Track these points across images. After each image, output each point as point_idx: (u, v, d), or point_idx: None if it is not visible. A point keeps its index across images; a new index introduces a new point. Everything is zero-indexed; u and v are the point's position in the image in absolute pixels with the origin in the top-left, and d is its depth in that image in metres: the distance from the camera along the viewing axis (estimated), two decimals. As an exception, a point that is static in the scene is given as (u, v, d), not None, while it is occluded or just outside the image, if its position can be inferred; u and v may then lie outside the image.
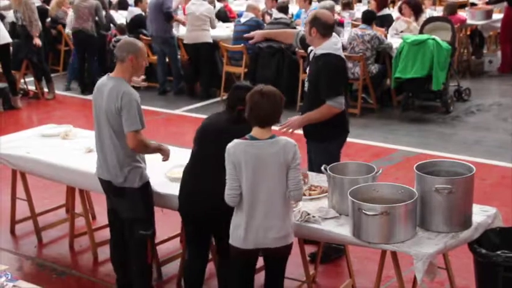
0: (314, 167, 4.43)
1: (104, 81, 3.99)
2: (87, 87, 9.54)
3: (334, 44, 4.50)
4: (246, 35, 5.41)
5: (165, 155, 4.17)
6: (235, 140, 3.44)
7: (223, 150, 3.44)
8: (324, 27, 4.44)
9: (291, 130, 4.49)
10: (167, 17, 9.27)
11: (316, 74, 4.48)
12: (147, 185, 4.07)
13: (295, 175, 3.41)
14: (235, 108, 3.76)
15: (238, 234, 3.45)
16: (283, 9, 9.02)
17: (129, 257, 4.17)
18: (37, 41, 9.15)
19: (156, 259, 4.54)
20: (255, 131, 3.44)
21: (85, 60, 9.80)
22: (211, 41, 9.16)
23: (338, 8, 10.04)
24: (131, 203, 4.02)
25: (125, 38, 4.16)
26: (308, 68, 4.66)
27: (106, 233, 5.01)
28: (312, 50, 4.61)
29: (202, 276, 4.02)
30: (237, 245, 3.47)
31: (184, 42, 9.30)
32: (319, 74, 4.45)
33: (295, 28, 8.67)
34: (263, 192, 3.39)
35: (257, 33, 5.22)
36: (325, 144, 4.57)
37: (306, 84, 4.66)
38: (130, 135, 3.85)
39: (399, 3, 11.22)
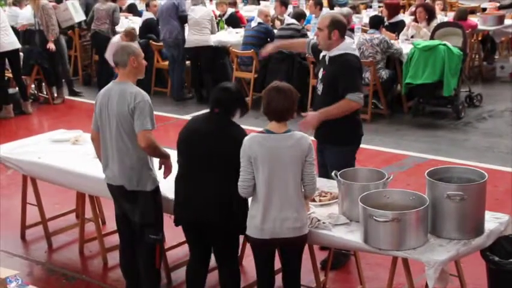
0: (329, 171, 4.35)
1: (110, 87, 4.00)
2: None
3: (350, 45, 4.57)
4: (262, 55, 5.42)
5: (168, 170, 4.09)
6: (252, 134, 3.57)
7: (208, 157, 3.64)
8: (345, 28, 4.54)
9: (310, 130, 4.44)
10: (182, 20, 9.31)
11: (333, 73, 4.47)
12: (157, 189, 4.08)
13: (310, 170, 3.53)
14: (212, 110, 3.81)
15: (255, 225, 3.55)
16: (299, 16, 9.01)
17: (138, 262, 4.16)
18: (51, 46, 9.21)
19: (165, 264, 4.54)
20: (272, 125, 3.57)
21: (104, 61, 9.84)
22: (212, 44, 9.18)
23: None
24: (143, 207, 4.02)
25: (118, 43, 4.20)
26: (321, 70, 4.62)
27: (116, 239, 5.00)
28: (324, 55, 4.60)
29: (203, 281, 4.02)
30: (253, 235, 3.58)
31: (186, 46, 9.29)
32: (337, 73, 4.45)
33: (305, 34, 8.68)
34: (279, 185, 3.49)
35: (269, 46, 5.20)
36: (341, 147, 4.55)
37: (319, 87, 4.62)
38: (141, 134, 3.86)
39: (411, 8, 11.22)
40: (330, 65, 4.52)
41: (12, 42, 8.67)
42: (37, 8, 9.10)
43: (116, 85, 3.98)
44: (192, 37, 9.16)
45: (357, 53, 4.62)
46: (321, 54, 4.66)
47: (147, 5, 10.20)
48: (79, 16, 10.27)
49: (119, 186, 4.03)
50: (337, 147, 4.54)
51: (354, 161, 4.61)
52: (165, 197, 4.13)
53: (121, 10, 11.70)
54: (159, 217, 4.12)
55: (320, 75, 4.63)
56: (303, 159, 3.51)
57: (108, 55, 8.76)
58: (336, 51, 4.48)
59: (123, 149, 3.95)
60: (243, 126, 3.88)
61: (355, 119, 4.59)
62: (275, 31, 9.02)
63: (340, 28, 4.47)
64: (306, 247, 3.78)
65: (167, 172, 4.11)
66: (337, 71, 4.45)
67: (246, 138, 3.56)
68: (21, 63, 9.11)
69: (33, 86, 9.79)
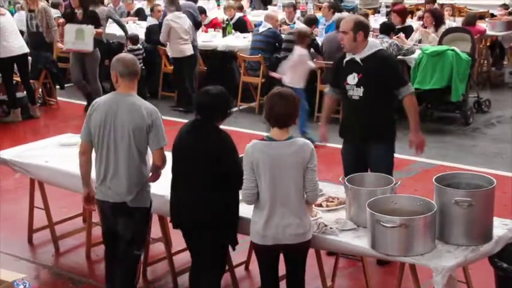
0: (377, 171, 4.25)
1: (116, 98, 3.85)
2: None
3: (375, 42, 4.66)
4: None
5: (156, 179, 3.99)
6: (254, 140, 3.57)
7: (193, 164, 3.66)
8: (368, 29, 4.61)
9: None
10: (198, 26, 9.34)
11: (375, 72, 4.47)
12: (151, 205, 4.02)
13: (312, 176, 3.51)
14: (198, 114, 3.80)
15: (257, 231, 3.56)
16: (311, 21, 9.00)
17: (115, 279, 4.02)
18: (60, 45, 9.30)
19: (171, 268, 4.53)
20: (274, 132, 3.56)
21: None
22: (193, 53, 9.05)
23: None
24: (139, 223, 3.95)
25: (125, 56, 4.07)
26: (354, 75, 4.53)
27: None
28: (349, 59, 4.55)
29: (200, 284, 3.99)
30: (256, 241, 3.60)
31: (174, 56, 9.08)
32: (381, 71, 4.46)
33: (314, 40, 8.65)
34: (281, 192, 3.49)
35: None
36: (390, 144, 4.66)
37: (356, 92, 4.53)
38: (159, 152, 3.84)
39: (418, 12, 11.21)
40: (367, 66, 4.48)
41: (21, 47, 8.70)
42: (38, 10, 9.14)
43: (123, 97, 3.84)
44: (178, 47, 8.89)
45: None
46: (345, 60, 4.59)
47: (152, 10, 10.21)
48: (80, 44, 8.73)
49: (119, 203, 3.87)
50: (385, 145, 4.59)
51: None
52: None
53: (129, 14, 11.76)
54: (147, 233, 4.11)
55: (354, 80, 4.53)
56: (305, 166, 3.49)
57: None
58: (366, 52, 4.49)
59: (132, 164, 3.82)
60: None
61: (393, 117, 4.71)
62: (283, 36, 9.02)
63: (364, 29, 4.50)
64: (313, 252, 3.77)
65: (154, 179, 4.00)
66: (379, 69, 4.47)
67: (248, 145, 3.55)
68: (30, 67, 9.15)
69: (40, 90, 9.82)
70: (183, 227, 3.90)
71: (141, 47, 9.55)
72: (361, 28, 4.47)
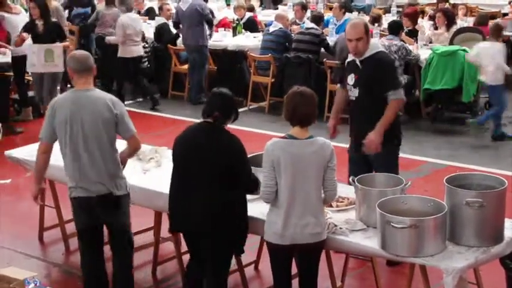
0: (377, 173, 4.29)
1: (77, 95, 3.92)
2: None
3: (376, 43, 4.70)
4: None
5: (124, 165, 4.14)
6: (274, 139, 3.57)
7: (206, 166, 3.62)
8: None
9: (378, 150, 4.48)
10: (210, 23, 9.36)
11: (369, 75, 4.48)
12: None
13: (331, 176, 3.53)
14: (211, 115, 3.78)
15: (275, 231, 3.54)
16: (317, 19, 8.99)
17: (117, 267, 4.13)
18: (68, 44, 9.33)
19: (180, 266, 4.54)
20: (295, 131, 3.56)
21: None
22: (142, 53, 9.19)
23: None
24: (125, 209, 4.07)
25: (77, 52, 4.26)
26: (352, 76, 4.57)
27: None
28: (350, 60, 4.60)
29: (201, 286, 3.98)
30: (274, 241, 3.57)
31: (123, 56, 9.05)
32: (374, 73, 4.47)
33: (324, 39, 8.64)
34: (301, 191, 3.49)
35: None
36: (392, 147, 4.62)
37: (353, 93, 4.58)
38: (134, 138, 3.99)
39: (429, 11, 11.15)
40: (364, 68, 4.50)
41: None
42: (51, 9, 9.14)
43: (83, 92, 3.91)
44: (131, 48, 8.97)
45: (384, 49, 4.70)
46: (347, 61, 4.64)
47: (160, 9, 10.22)
48: (50, 66, 7.74)
49: (105, 195, 3.93)
50: (387, 148, 4.54)
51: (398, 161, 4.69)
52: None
53: (139, 14, 11.78)
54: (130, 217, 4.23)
55: (351, 80, 4.57)
56: (325, 165, 3.51)
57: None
58: (366, 54, 4.50)
59: (107, 156, 3.93)
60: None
61: (398, 118, 4.67)
62: (293, 35, 9.01)
63: (369, 28, 4.57)
64: (322, 253, 3.76)
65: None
66: (372, 71, 4.47)
67: (269, 143, 3.56)
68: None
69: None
70: (185, 234, 3.91)
71: (146, 45, 9.57)
72: (369, 29, 4.56)
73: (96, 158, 3.91)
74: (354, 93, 4.59)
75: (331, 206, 3.92)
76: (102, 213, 4.01)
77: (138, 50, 9.09)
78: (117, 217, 4.04)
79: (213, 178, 3.68)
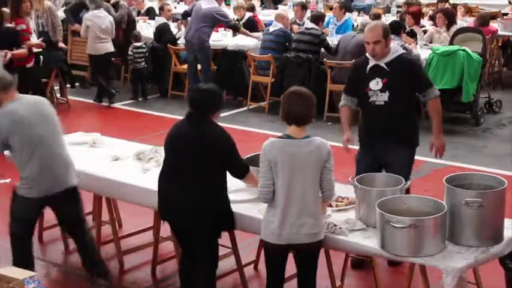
0: (395, 172, 4.12)
1: (15, 106, 4.13)
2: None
3: (396, 45, 4.67)
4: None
5: None
6: (271, 138, 3.57)
7: (196, 159, 3.68)
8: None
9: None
10: (234, 29, 9.50)
11: (401, 77, 4.44)
12: None
13: (329, 176, 3.53)
14: (193, 107, 3.87)
15: (272, 231, 3.54)
16: (317, 18, 8.98)
17: (87, 256, 4.43)
18: (62, 45, 9.36)
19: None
20: (291, 130, 3.56)
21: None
22: (113, 50, 9.36)
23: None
24: (80, 199, 4.34)
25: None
26: (379, 80, 4.48)
27: (132, 241, 5.03)
28: (373, 65, 4.50)
29: (194, 279, 4.00)
30: (270, 240, 3.57)
31: (89, 53, 9.33)
32: (406, 75, 4.46)
33: (325, 39, 8.64)
34: (298, 191, 3.49)
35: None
36: (412, 148, 4.65)
37: (380, 97, 4.47)
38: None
39: (429, 12, 11.16)
40: (392, 71, 4.45)
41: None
42: (43, 9, 9.17)
43: (18, 102, 4.17)
44: (98, 45, 9.16)
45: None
46: (369, 66, 4.52)
47: (161, 9, 10.22)
48: None
49: (71, 187, 4.22)
50: (408, 150, 4.58)
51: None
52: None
53: (139, 14, 11.78)
54: None
55: (378, 85, 4.48)
56: (322, 165, 3.51)
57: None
58: (390, 56, 4.47)
59: (62, 148, 4.23)
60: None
61: (417, 120, 4.74)
62: (293, 35, 9.01)
63: (389, 33, 4.53)
64: (322, 252, 3.76)
65: None
66: (405, 72, 4.47)
67: (266, 143, 3.56)
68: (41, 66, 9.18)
69: (54, 88, 9.85)
70: (171, 225, 3.96)
71: (143, 45, 9.58)
72: (389, 33, 4.50)
73: (56, 154, 4.21)
74: (382, 97, 4.47)
75: (330, 205, 3.92)
76: (69, 207, 4.31)
77: (105, 48, 9.19)
78: (77, 210, 4.36)
79: (196, 168, 3.72)
